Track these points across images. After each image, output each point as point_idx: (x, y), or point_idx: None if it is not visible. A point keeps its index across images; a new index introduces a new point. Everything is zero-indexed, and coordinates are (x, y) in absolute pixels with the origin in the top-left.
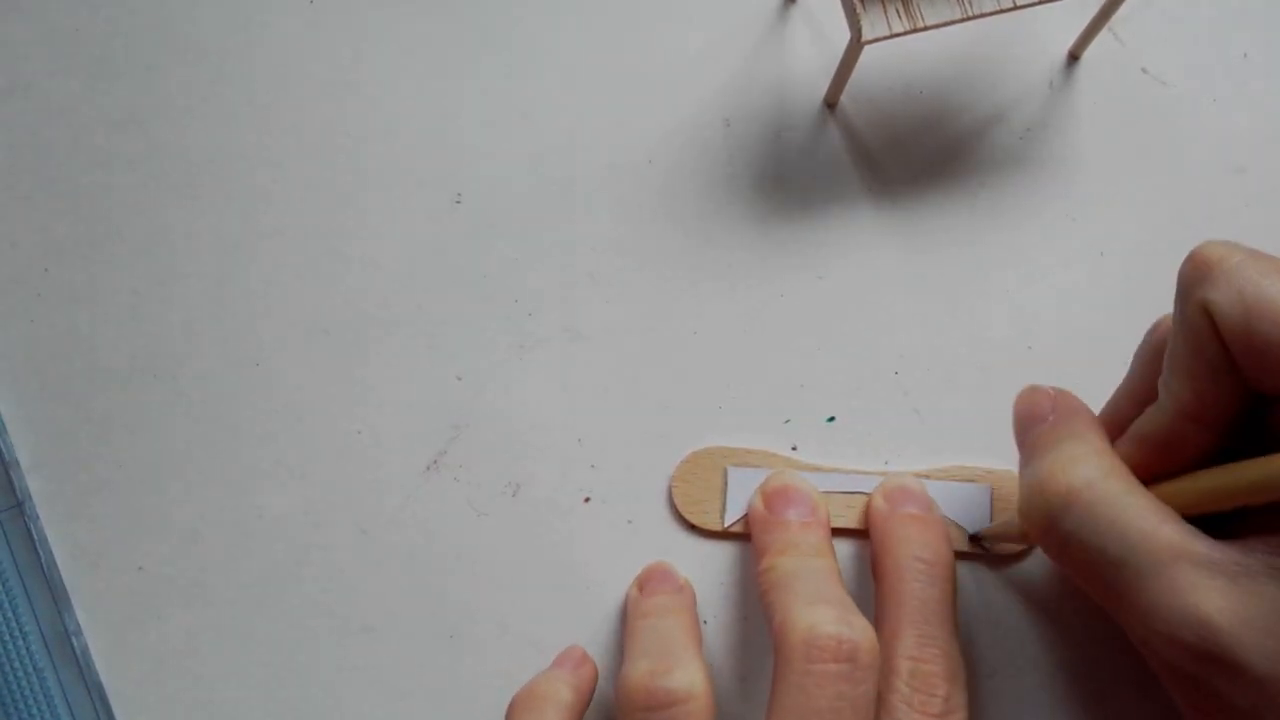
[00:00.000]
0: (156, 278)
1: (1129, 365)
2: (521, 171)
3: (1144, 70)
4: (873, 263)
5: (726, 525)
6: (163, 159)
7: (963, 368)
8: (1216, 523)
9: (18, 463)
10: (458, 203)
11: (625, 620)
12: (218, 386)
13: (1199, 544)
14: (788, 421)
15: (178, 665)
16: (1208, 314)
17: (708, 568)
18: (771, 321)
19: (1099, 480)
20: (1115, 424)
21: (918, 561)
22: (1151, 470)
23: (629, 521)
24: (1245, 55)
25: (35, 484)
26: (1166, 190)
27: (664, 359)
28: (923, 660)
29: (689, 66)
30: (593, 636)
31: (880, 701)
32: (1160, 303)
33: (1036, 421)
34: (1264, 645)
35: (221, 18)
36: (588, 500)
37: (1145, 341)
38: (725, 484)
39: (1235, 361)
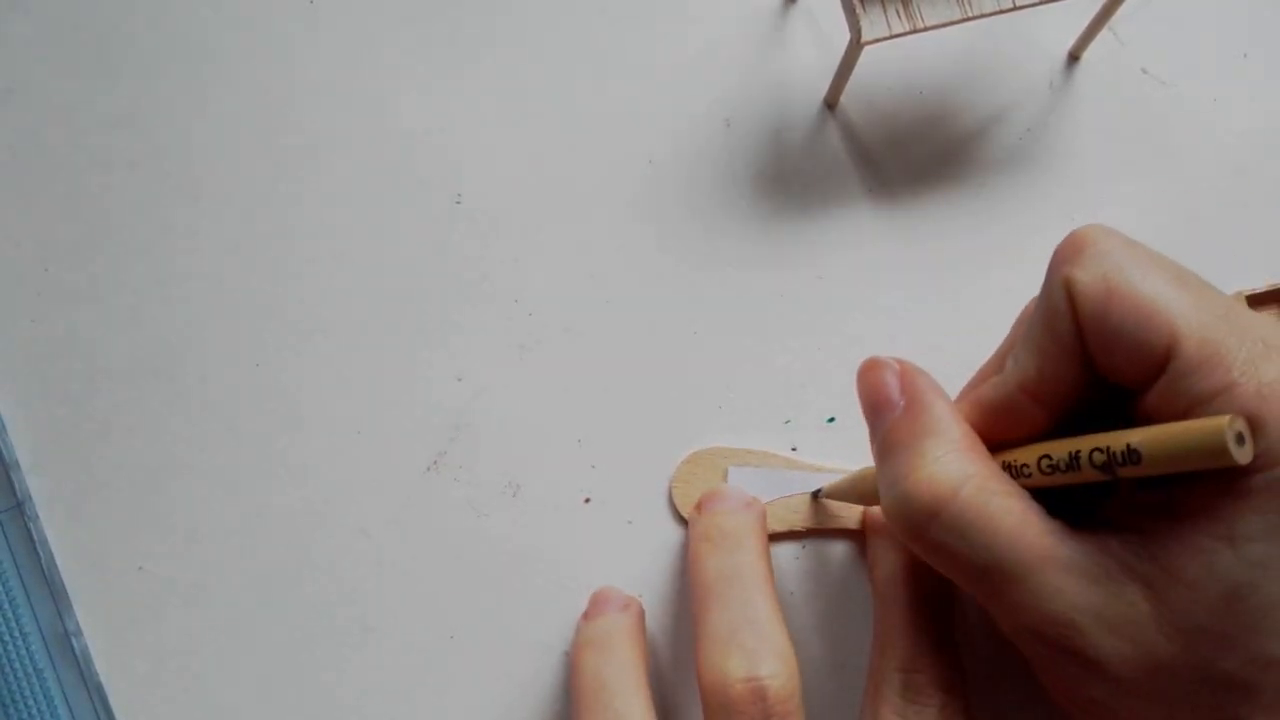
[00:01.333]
0: (156, 278)
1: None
2: (521, 171)
3: (1144, 70)
4: (873, 262)
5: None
6: (163, 159)
7: (963, 368)
8: (1075, 518)
9: (18, 463)
10: (458, 203)
11: (573, 651)
12: (218, 386)
13: (1063, 546)
14: (788, 421)
15: (178, 665)
16: (1069, 291)
17: None
18: (771, 321)
19: (962, 485)
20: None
21: (910, 570)
22: (983, 436)
23: (629, 521)
24: (1245, 55)
25: (35, 484)
26: (1166, 190)
27: (664, 359)
28: (915, 670)
29: (689, 66)
30: None
31: (876, 716)
32: None
33: (886, 409)
34: (1119, 645)
35: (221, 18)
36: (588, 500)
37: (1019, 315)
38: (725, 484)
39: (1085, 344)
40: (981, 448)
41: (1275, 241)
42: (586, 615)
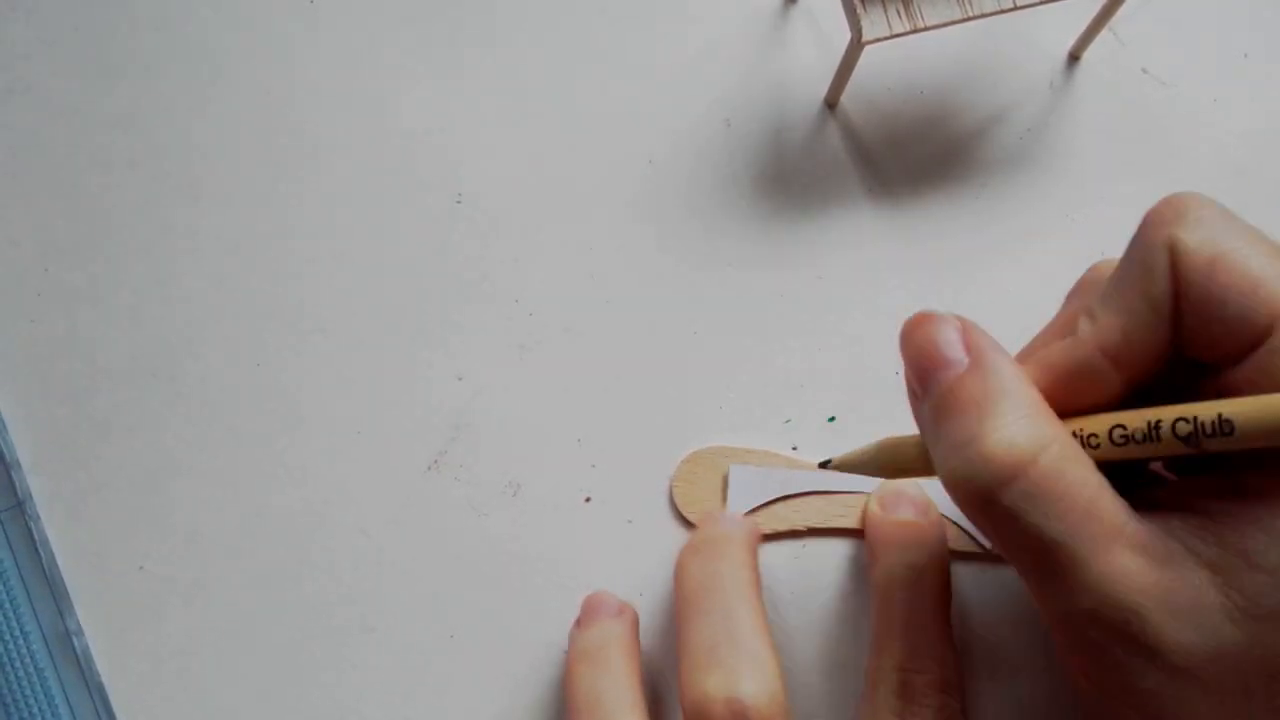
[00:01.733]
0: (156, 278)
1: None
2: (521, 171)
3: (1144, 70)
4: (873, 262)
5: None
6: (163, 159)
7: None
8: (1129, 497)
9: (18, 463)
10: (458, 203)
11: (567, 661)
12: (218, 386)
13: (1132, 523)
14: (788, 421)
15: (178, 665)
16: (1172, 250)
17: None
18: (771, 321)
19: (1044, 450)
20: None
21: (908, 569)
22: (1048, 398)
23: (629, 521)
24: (1245, 55)
25: (35, 484)
26: (1166, 190)
27: (664, 359)
28: (913, 670)
29: (689, 66)
30: None
31: (873, 716)
32: None
33: (942, 365)
34: (1182, 632)
35: (221, 18)
36: (588, 500)
37: (1080, 281)
38: (726, 484)
39: (1179, 309)
40: (1053, 414)
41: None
42: (579, 623)
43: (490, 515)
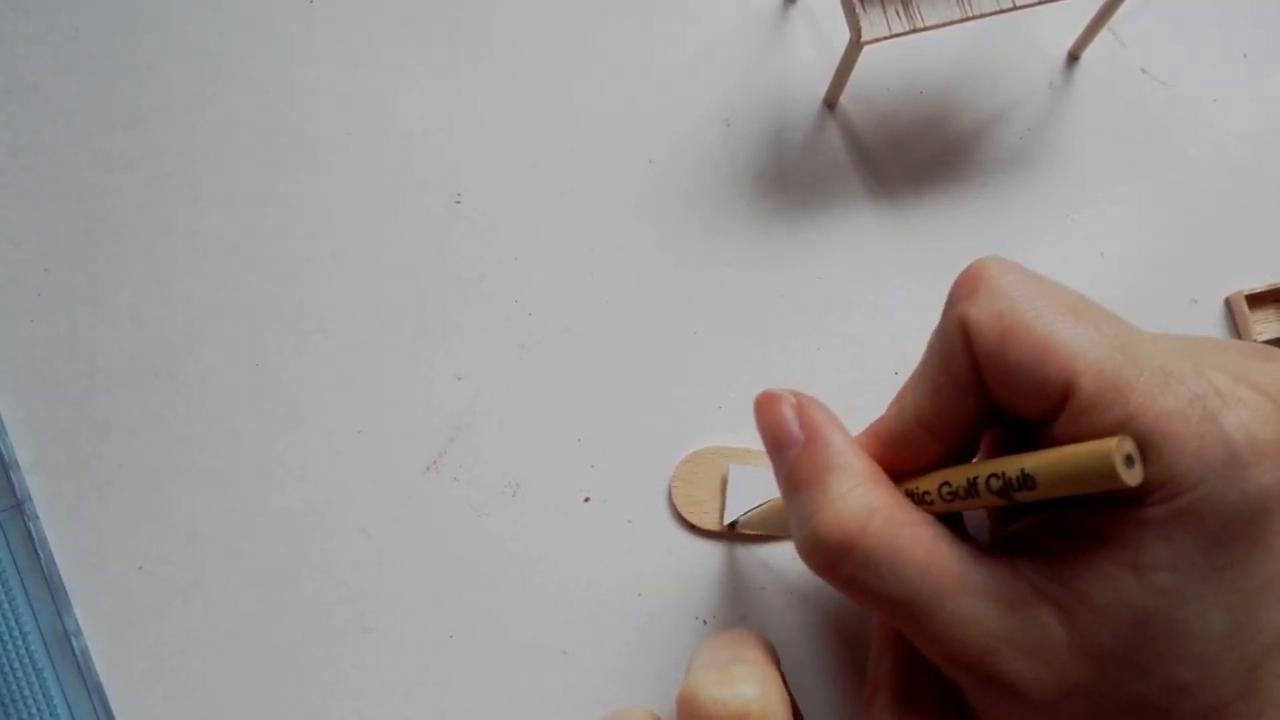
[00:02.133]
0: (156, 278)
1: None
2: (521, 171)
3: (1144, 70)
4: (872, 262)
5: (725, 524)
6: (163, 159)
7: None
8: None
9: (18, 463)
10: (458, 203)
11: None
12: (218, 386)
13: (975, 573)
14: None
15: (178, 665)
16: (964, 329)
17: (707, 567)
18: (771, 321)
19: (869, 519)
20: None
21: None
22: (885, 466)
23: (629, 521)
24: (1245, 55)
25: (35, 484)
26: (1166, 190)
27: (664, 359)
28: (913, 677)
29: (689, 66)
30: (592, 636)
31: None
32: (1160, 303)
33: (786, 444)
34: (1034, 670)
35: (221, 18)
36: (588, 500)
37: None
38: (725, 484)
39: (982, 380)
40: (884, 478)
41: (1275, 241)
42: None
43: (490, 515)
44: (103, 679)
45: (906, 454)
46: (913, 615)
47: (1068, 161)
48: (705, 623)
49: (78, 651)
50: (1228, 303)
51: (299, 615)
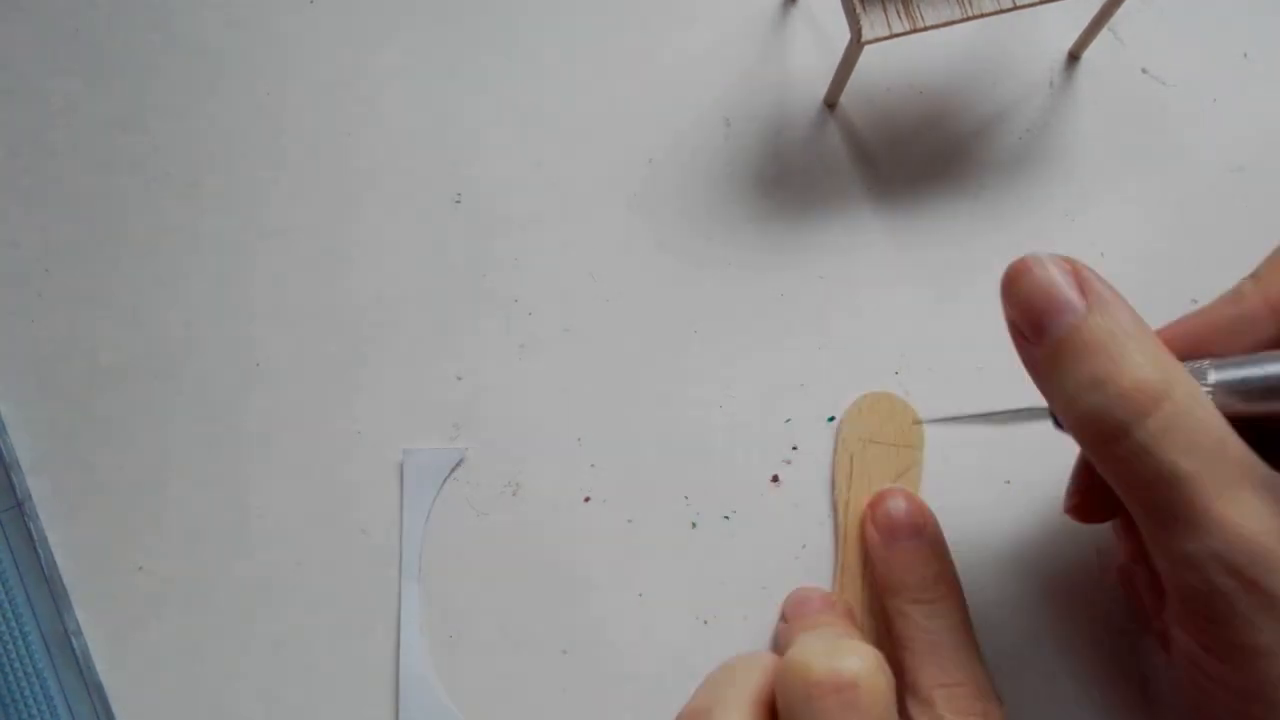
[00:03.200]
0: (156, 278)
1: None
2: (521, 171)
3: (1144, 70)
4: (873, 262)
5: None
6: (163, 159)
7: (963, 368)
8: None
9: (18, 463)
10: (457, 203)
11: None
12: (218, 386)
13: (1258, 465)
14: (788, 421)
15: (177, 665)
16: None
17: (707, 567)
18: (771, 321)
19: (1176, 386)
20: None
21: (916, 604)
22: (1195, 350)
23: (629, 521)
24: (1245, 55)
25: (35, 484)
26: (1166, 190)
27: (664, 359)
28: (951, 684)
29: (689, 66)
30: (592, 636)
31: None
32: (1159, 303)
33: (1059, 311)
34: None
35: (221, 18)
36: (587, 500)
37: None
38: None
39: None
40: (1174, 358)
41: (1275, 241)
42: (790, 618)
43: (490, 515)
44: (103, 679)
45: (1234, 336)
46: (1187, 499)
47: (1068, 161)
48: (705, 623)
49: (78, 651)
50: None
51: (299, 615)
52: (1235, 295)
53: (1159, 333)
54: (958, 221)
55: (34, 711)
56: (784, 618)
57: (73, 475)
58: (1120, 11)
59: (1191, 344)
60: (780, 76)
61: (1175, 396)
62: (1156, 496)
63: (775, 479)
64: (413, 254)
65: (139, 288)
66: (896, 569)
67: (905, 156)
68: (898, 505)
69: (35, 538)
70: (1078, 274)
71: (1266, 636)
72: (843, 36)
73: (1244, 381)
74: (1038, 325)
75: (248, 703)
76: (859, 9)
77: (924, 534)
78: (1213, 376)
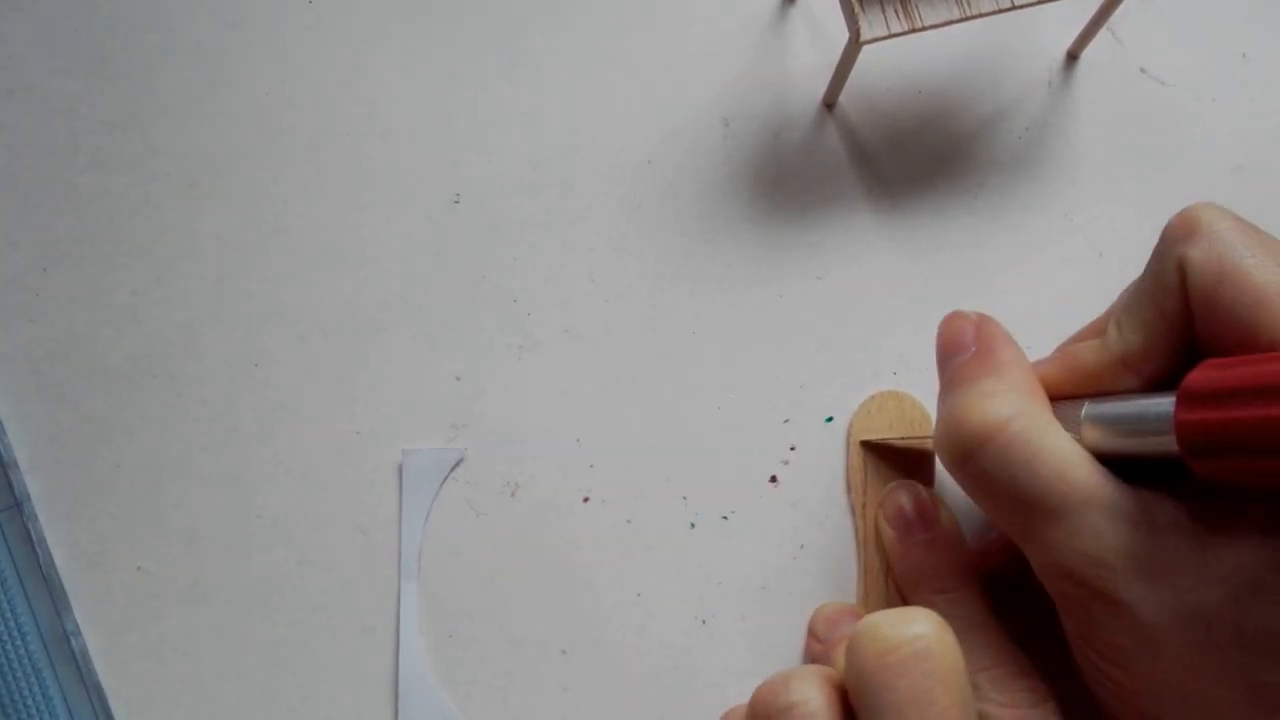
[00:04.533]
0: (156, 278)
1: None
2: (521, 171)
3: (1143, 70)
4: (872, 263)
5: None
6: (162, 159)
7: None
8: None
9: (17, 463)
10: (457, 203)
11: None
12: (218, 386)
13: (1108, 489)
14: (787, 421)
15: (177, 665)
16: (1181, 269)
17: (707, 567)
18: (771, 322)
19: (1015, 418)
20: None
21: (939, 594)
22: (1070, 394)
23: (628, 521)
24: (1245, 55)
25: (34, 484)
26: (1166, 190)
27: (664, 359)
28: (990, 668)
29: (689, 66)
30: (591, 636)
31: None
32: None
33: (958, 351)
34: (1153, 594)
35: (221, 18)
36: (587, 500)
37: (1125, 290)
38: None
39: (1193, 323)
40: (1042, 393)
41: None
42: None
43: (489, 515)
44: (102, 679)
45: (1101, 385)
46: (1036, 519)
47: (1067, 161)
48: (704, 623)
49: (77, 652)
50: None
51: (299, 615)
52: (1101, 348)
53: (1041, 370)
54: (957, 220)
55: (33, 711)
56: (815, 637)
57: (72, 475)
58: (1119, 11)
59: (1069, 386)
60: (779, 77)
61: (1013, 426)
62: (1005, 517)
63: (774, 479)
64: (412, 254)
65: (138, 288)
66: (914, 563)
67: (904, 156)
68: (908, 499)
69: (34, 538)
70: (980, 325)
71: (1123, 638)
72: (841, 36)
73: (1106, 418)
74: (940, 366)
75: (248, 703)
76: (857, 9)
77: (937, 525)
78: (1083, 412)
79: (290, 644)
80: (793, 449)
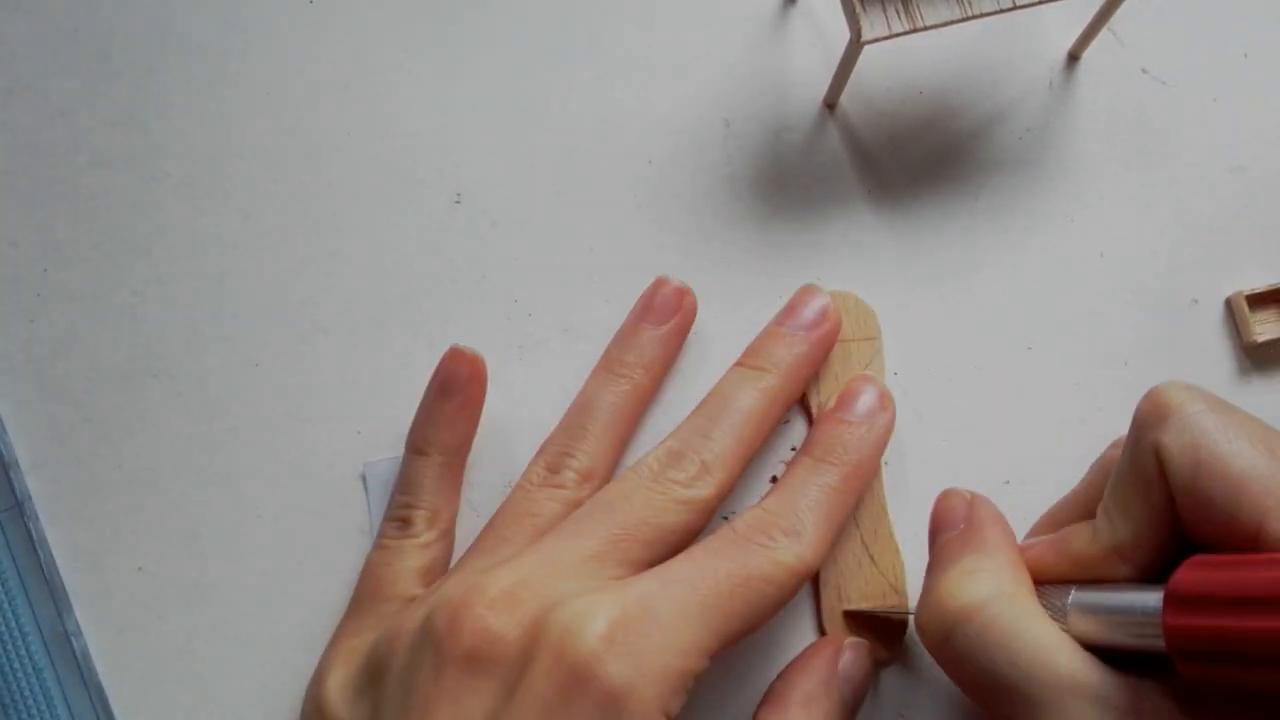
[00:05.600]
0: (156, 278)
1: (1082, 476)
2: (521, 171)
3: (1144, 70)
4: (872, 263)
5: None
6: (162, 159)
7: (962, 369)
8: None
9: (17, 463)
10: (457, 203)
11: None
12: (218, 386)
13: (1094, 677)
14: (786, 422)
15: (178, 665)
16: (1158, 458)
17: None
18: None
19: (995, 600)
20: (1055, 530)
21: (739, 366)
22: (1061, 579)
23: None
24: (1245, 55)
25: (35, 484)
26: (1166, 190)
27: None
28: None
29: (689, 66)
30: None
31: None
32: (1160, 303)
33: (947, 527)
34: None
35: (221, 18)
36: None
37: (1100, 457)
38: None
39: (1176, 509)
40: (1026, 576)
41: (1275, 241)
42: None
43: (490, 515)
44: (103, 679)
45: (1093, 572)
46: (1016, 707)
47: (1067, 161)
48: None
49: (77, 652)
50: (1228, 303)
51: (299, 615)
52: (1091, 538)
53: (1031, 553)
54: (957, 221)
55: (34, 712)
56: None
57: (72, 475)
58: (1120, 11)
59: (1059, 571)
60: (780, 77)
61: (991, 609)
62: (985, 701)
63: (774, 480)
64: (412, 254)
65: (138, 288)
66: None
67: (905, 157)
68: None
69: (35, 538)
70: (971, 505)
71: None
72: (842, 36)
73: (1093, 607)
74: (931, 535)
75: (248, 703)
76: (858, 9)
77: (820, 326)
78: (1070, 600)
79: (290, 644)
80: (793, 449)
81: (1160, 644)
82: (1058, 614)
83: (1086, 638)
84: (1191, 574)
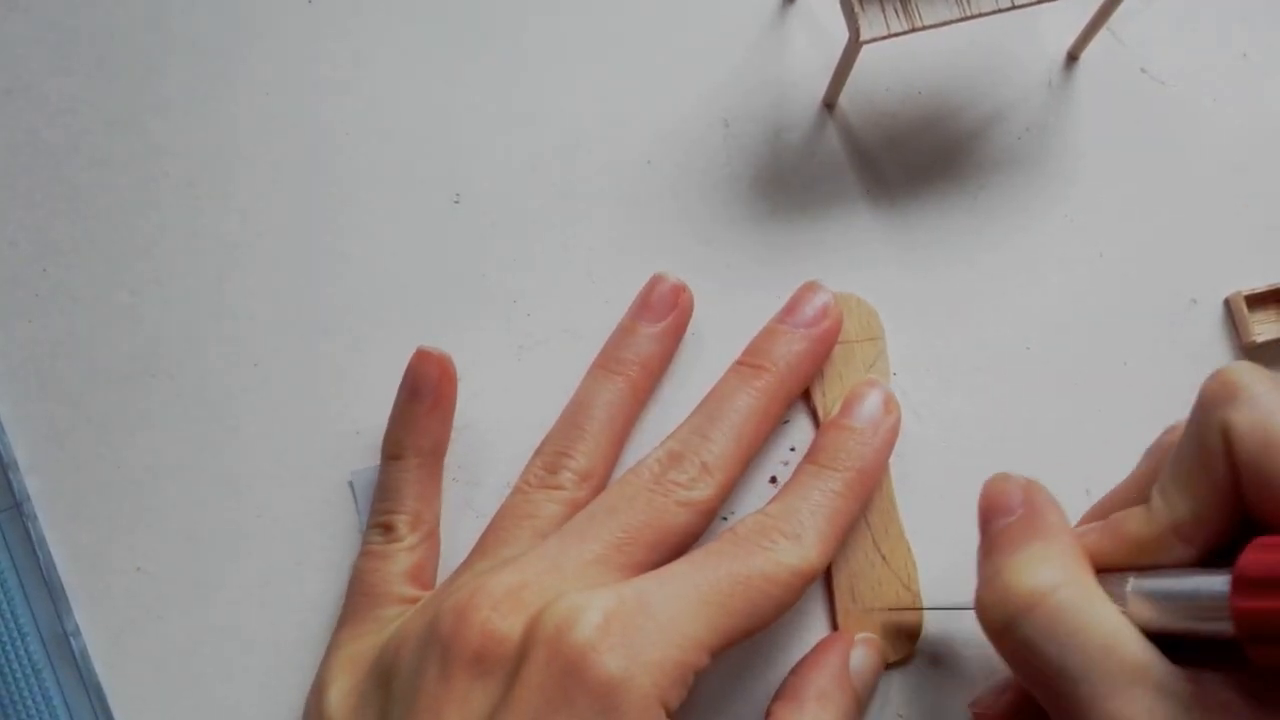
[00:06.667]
0: (156, 278)
1: (1138, 460)
2: (521, 171)
3: (1143, 70)
4: (871, 262)
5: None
6: (162, 159)
7: (962, 369)
8: (1170, 646)
9: (16, 463)
10: (457, 203)
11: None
12: (218, 386)
13: (1158, 667)
14: (786, 422)
15: (177, 665)
16: (1226, 435)
17: None
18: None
19: (1063, 587)
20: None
21: (738, 365)
22: (1117, 565)
23: None
24: (1245, 55)
25: (34, 484)
26: (1166, 190)
27: None
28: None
29: (689, 66)
30: None
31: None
32: (1160, 303)
33: (1002, 514)
34: None
35: (221, 18)
36: None
37: (1157, 442)
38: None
39: (1241, 488)
40: (1088, 563)
41: (1275, 241)
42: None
43: (490, 516)
44: (102, 680)
45: (1151, 557)
46: (1081, 695)
47: (1067, 161)
48: None
49: (77, 652)
50: (1227, 303)
51: (299, 615)
52: (1148, 518)
53: (1084, 539)
54: (956, 221)
55: (33, 712)
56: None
57: (72, 475)
58: (1119, 11)
59: (1115, 557)
60: (779, 77)
61: (1058, 596)
62: (1047, 690)
63: (773, 480)
64: (412, 254)
65: (138, 288)
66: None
67: (904, 156)
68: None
69: (34, 538)
70: (1028, 489)
71: None
72: (841, 36)
73: (1155, 594)
74: (982, 527)
75: (248, 703)
76: (857, 8)
77: (820, 323)
78: (1130, 587)
79: (290, 644)
80: (792, 449)
81: (1228, 628)
82: (1116, 602)
83: (1149, 625)
84: (1260, 555)
